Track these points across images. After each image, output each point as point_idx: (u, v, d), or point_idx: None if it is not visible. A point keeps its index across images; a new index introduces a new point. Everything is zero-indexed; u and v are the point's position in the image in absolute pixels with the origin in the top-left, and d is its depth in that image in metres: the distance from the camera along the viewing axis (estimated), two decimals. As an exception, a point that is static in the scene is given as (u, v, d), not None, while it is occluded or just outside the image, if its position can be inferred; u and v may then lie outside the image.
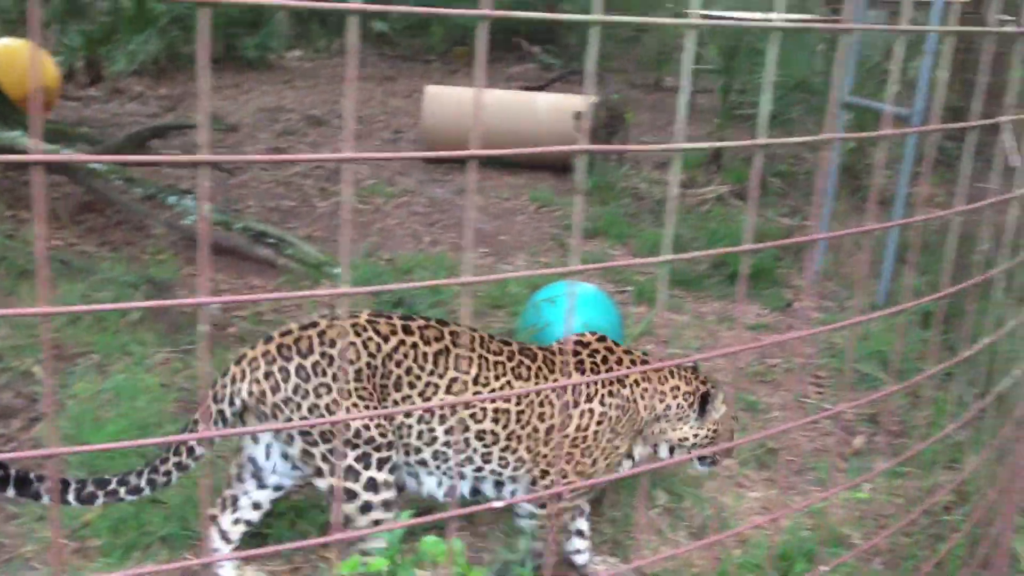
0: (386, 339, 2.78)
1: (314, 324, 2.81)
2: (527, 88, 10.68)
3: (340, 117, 10.26)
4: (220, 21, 11.93)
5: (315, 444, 2.76)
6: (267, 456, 2.89)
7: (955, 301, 4.43)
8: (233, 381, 2.77)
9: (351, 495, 2.73)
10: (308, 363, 2.71)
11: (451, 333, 2.86)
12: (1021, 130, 4.39)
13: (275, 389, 2.72)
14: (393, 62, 13.81)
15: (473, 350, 2.87)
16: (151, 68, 11.00)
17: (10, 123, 5.91)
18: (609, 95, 8.04)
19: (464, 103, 8.26)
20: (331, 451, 2.74)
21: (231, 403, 2.78)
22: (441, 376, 2.80)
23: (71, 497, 2.71)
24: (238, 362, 2.80)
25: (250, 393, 2.75)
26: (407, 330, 2.82)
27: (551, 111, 8.23)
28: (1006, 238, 1.99)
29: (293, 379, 2.71)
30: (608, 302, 4.53)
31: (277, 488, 2.95)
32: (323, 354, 2.72)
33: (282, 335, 2.78)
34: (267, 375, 2.73)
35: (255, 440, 2.88)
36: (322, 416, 2.70)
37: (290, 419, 2.69)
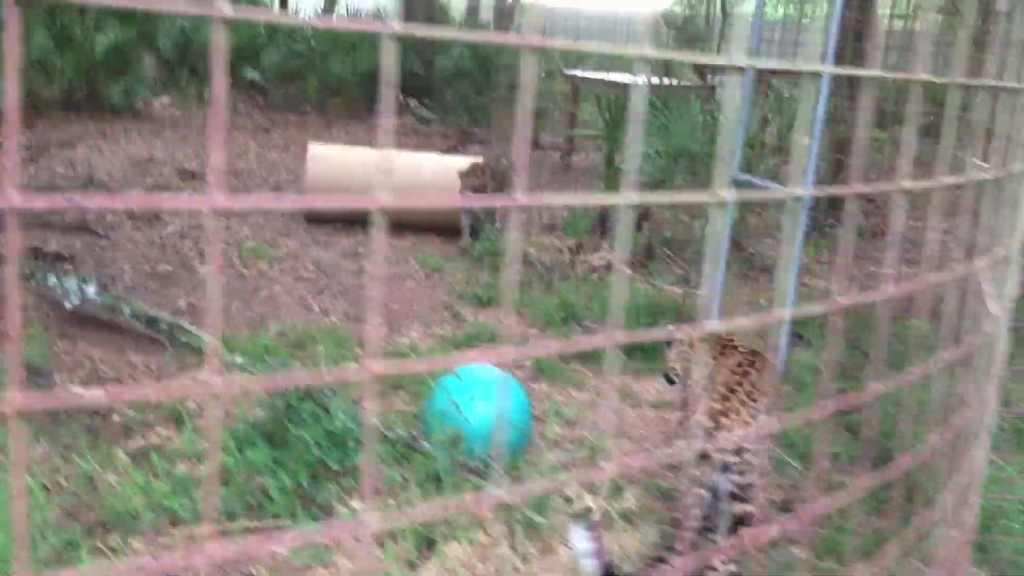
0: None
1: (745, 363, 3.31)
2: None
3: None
4: (81, 65, 11.38)
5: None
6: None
7: (852, 376, 4.52)
8: (732, 430, 3.00)
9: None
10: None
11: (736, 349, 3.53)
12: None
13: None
14: (266, 112, 13.48)
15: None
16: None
17: None
18: (497, 158, 8.03)
19: (350, 163, 8.09)
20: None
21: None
22: (741, 386, 3.26)
23: None
24: (725, 415, 3.04)
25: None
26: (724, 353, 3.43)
27: (437, 172, 8.15)
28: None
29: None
30: (516, 384, 4.45)
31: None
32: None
33: (730, 389, 3.15)
34: (753, 416, 3.05)
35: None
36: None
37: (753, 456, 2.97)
